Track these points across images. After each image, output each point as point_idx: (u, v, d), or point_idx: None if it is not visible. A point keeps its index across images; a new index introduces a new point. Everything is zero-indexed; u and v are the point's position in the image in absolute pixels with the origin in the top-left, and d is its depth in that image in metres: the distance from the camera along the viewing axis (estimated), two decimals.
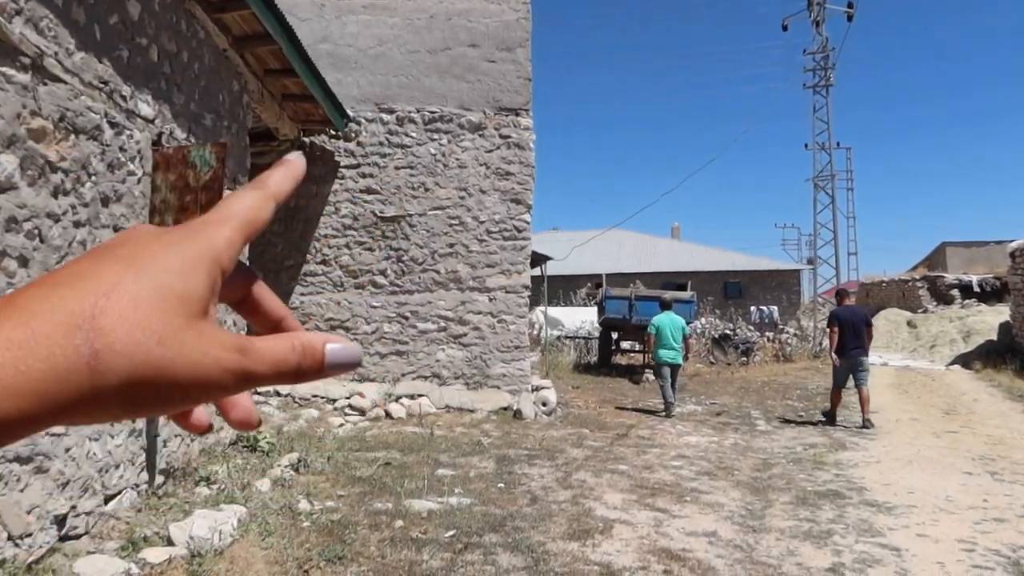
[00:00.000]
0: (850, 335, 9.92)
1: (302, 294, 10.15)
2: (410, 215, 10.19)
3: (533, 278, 19.87)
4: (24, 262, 3.46)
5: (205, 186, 4.59)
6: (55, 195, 3.70)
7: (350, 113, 10.23)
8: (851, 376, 10.14)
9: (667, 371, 11.27)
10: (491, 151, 10.27)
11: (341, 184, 10.23)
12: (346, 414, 9.38)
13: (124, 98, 4.38)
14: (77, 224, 3.91)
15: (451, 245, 10.18)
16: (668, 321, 11.53)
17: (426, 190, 10.20)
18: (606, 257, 37.56)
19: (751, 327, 24.28)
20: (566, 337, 22.42)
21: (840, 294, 10.92)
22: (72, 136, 3.83)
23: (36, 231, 3.55)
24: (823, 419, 10.53)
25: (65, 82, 3.72)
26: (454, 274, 10.16)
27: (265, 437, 6.72)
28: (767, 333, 23.92)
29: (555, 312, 24.22)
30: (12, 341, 0.31)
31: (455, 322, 10.13)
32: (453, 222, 10.20)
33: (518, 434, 8.74)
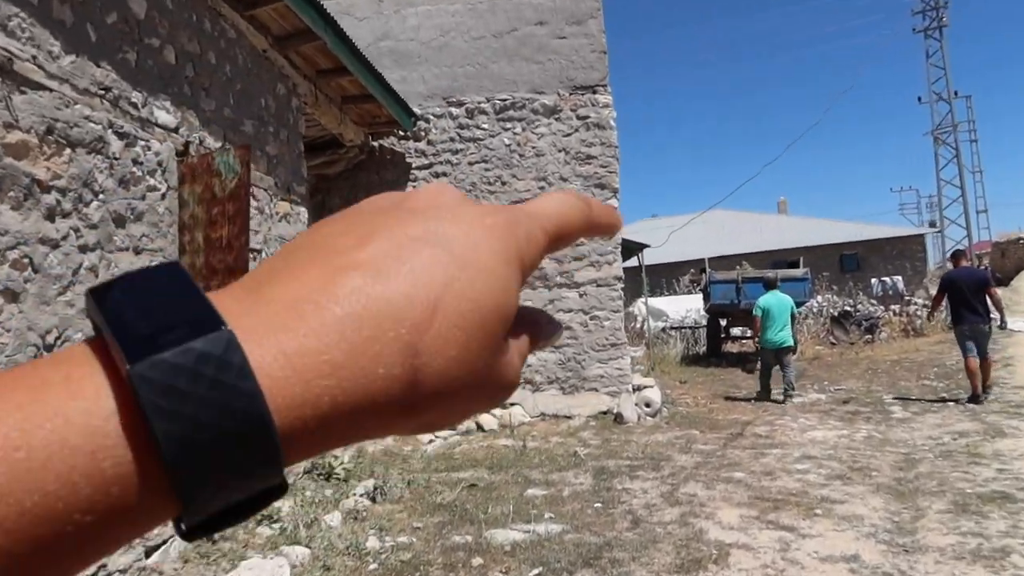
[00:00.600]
0: (965, 300, 9.04)
1: None
2: None
3: (631, 269, 18.94)
4: (13, 296, 3.01)
5: (231, 195, 4.09)
6: (50, 218, 3.25)
7: (417, 111, 9.73)
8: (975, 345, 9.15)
9: (771, 356, 10.69)
10: (569, 135, 9.52)
11: (414, 187, 9.74)
12: None
13: (135, 105, 3.92)
14: (84, 248, 3.47)
15: None
16: (775, 301, 10.80)
17: (503, 184, 9.57)
18: (709, 240, 35.96)
19: (873, 301, 22.41)
20: (671, 328, 21.35)
21: (955, 255, 9.91)
22: (67, 150, 3.37)
23: (27, 259, 3.10)
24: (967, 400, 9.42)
25: (50, 89, 3.26)
26: (540, 271, 9.47)
27: (342, 463, 6.24)
28: (892, 306, 21.98)
29: (658, 303, 23.14)
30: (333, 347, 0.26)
31: None
32: None
33: (619, 441, 7.97)
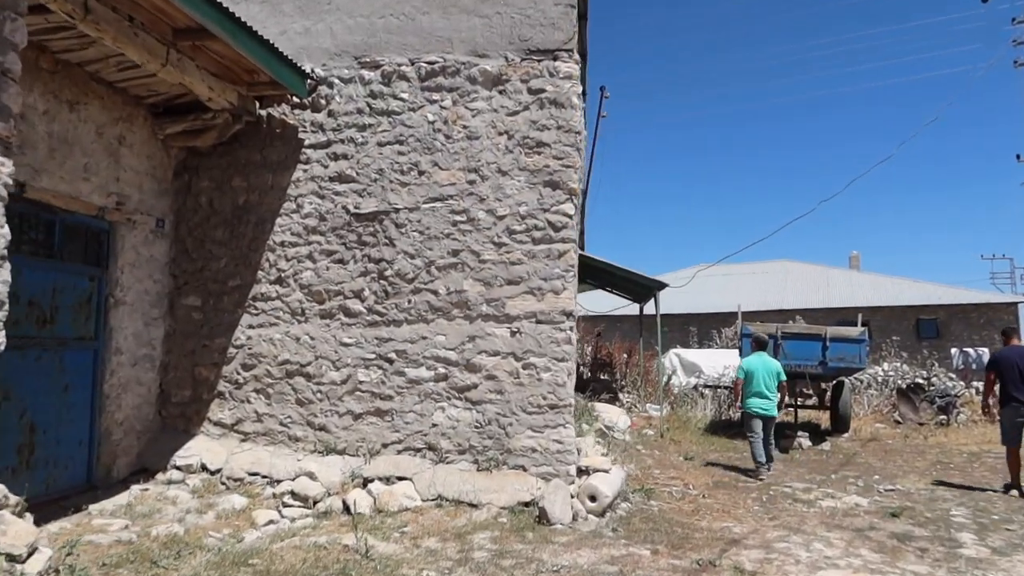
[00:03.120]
0: (1015, 380, 8.45)
1: (250, 326, 7.20)
2: (396, 210, 7.00)
3: (648, 316, 16.08)
4: None
5: None
6: None
7: (319, 71, 7.31)
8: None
9: (759, 424, 9.45)
10: (515, 113, 6.92)
11: (305, 171, 7.27)
12: (285, 504, 6.23)
13: None
14: None
15: (455, 252, 6.86)
16: (760, 364, 9.66)
17: (420, 173, 7.00)
18: (769, 291, 32.48)
19: (952, 375, 18.72)
20: (705, 386, 18.15)
21: (1006, 332, 9.33)
22: None
23: None
24: (1003, 491, 8.48)
25: None
26: (459, 296, 6.82)
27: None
28: (975, 383, 18.29)
29: (693, 355, 19.99)
30: None
31: (460, 367, 6.75)
32: (458, 218, 6.90)
33: (524, 557, 5.17)
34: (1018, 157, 21.98)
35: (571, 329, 6.67)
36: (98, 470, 6.46)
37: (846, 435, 13.79)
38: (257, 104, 7.38)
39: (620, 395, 16.76)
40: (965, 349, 25.57)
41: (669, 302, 32.20)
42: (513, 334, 6.67)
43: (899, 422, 15.44)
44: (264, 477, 6.63)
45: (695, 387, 18.03)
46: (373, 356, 6.88)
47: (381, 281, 6.94)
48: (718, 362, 20.00)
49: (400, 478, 6.45)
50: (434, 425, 6.70)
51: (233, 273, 7.28)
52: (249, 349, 7.14)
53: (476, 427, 6.63)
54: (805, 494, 8.10)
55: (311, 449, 6.85)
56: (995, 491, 8.58)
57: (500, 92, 6.96)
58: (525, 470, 6.50)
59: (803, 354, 12.78)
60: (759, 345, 10.21)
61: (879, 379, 18.62)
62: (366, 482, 6.43)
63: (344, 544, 5.30)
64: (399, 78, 7.14)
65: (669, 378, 18.59)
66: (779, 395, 9.66)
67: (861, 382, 19.11)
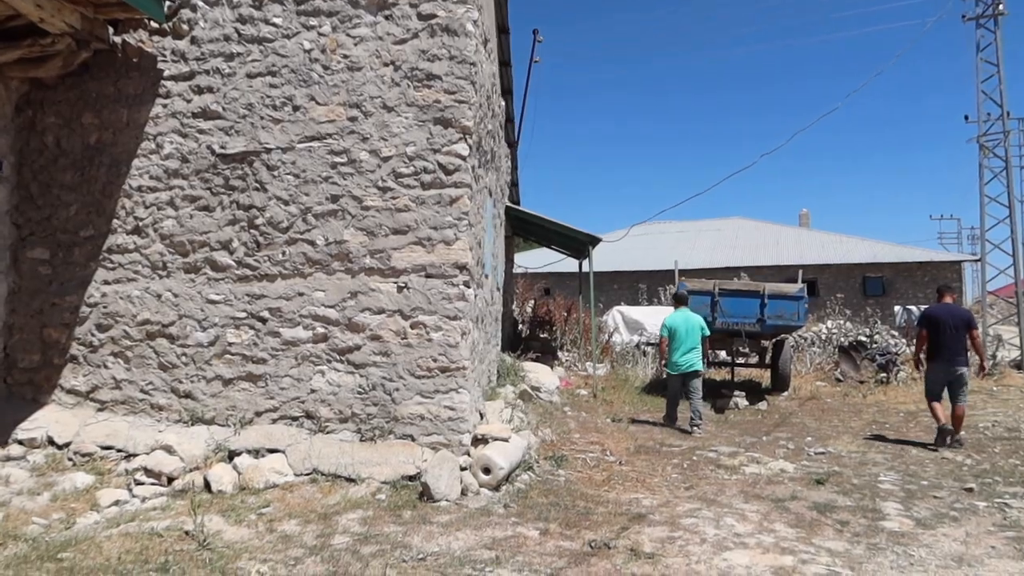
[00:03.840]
0: (946, 339, 8.38)
1: (106, 282, 6.35)
2: (268, 150, 6.17)
3: (579, 273, 15.43)
4: None
5: None
6: None
7: None
8: (947, 390, 8.41)
9: (677, 382, 9.57)
10: (403, 41, 6.10)
11: (166, 107, 6.37)
12: (137, 483, 5.48)
13: None
14: None
15: (334, 198, 6.08)
16: (682, 320, 9.60)
17: (295, 109, 6.17)
18: (719, 249, 32.22)
19: (894, 333, 18.58)
20: (648, 344, 17.70)
21: (940, 290, 9.30)
22: None
23: None
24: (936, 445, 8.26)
25: None
26: (339, 247, 6.05)
27: None
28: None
29: (636, 313, 19.47)
30: None
31: (342, 327, 6.02)
32: (338, 160, 6.10)
33: (391, 542, 4.53)
34: (966, 118, 21.64)
35: (465, 284, 5.97)
36: None
37: (785, 394, 13.44)
38: (111, 30, 6.44)
39: (559, 353, 16.24)
40: (908, 307, 25.62)
41: (618, 259, 31.77)
42: (400, 289, 5.95)
43: (839, 380, 15.18)
44: (120, 451, 5.86)
45: (637, 345, 17.58)
46: (244, 315, 6.10)
47: (252, 231, 6.14)
48: (661, 320, 19.59)
49: (272, 450, 5.74)
50: (312, 391, 5.99)
51: (85, 222, 6.40)
52: (104, 308, 6.30)
53: (359, 393, 5.94)
54: (730, 459, 7.61)
55: (176, 419, 6.10)
56: (928, 446, 8.23)
57: (386, 18, 6.12)
58: (414, 440, 5.84)
59: (741, 311, 12.31)
60: (679, 301, 10.07)
61: (822, 337, 18.37)
62: (232, 455, 5.71)
63: (185, 531, 4.59)
64: (272, 0, 6.25)
65: (610, 336, 18.10)
66: (703, 349, 9.60)
67: (804, 340, 18.86)
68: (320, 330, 6.00)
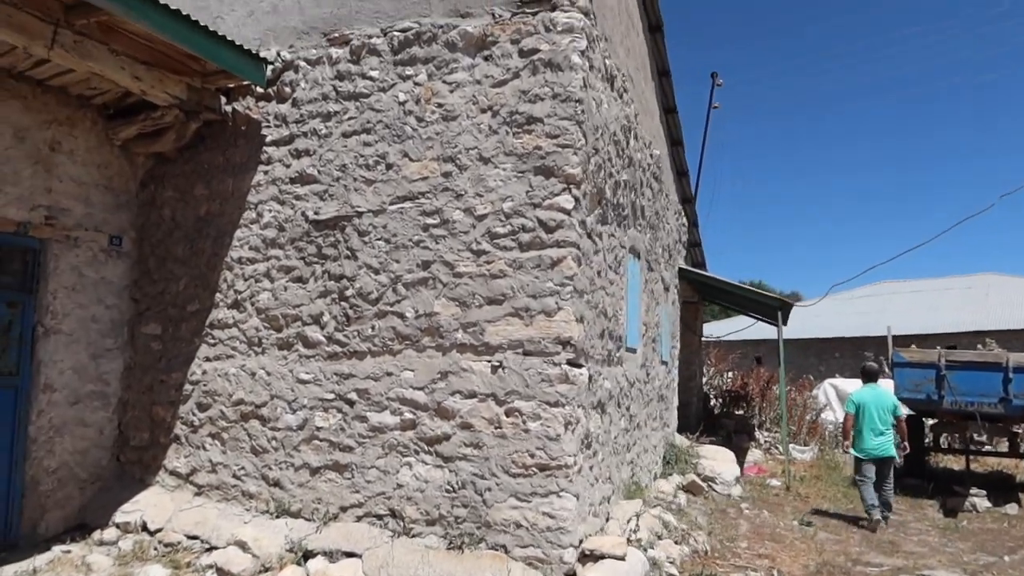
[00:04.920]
0: None
1: (207, 358, 6.09)
2: (359, 214, 5.63)
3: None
4: None
5: None
6: None
7: (286, 55, 6.13)
8: None
9: (871, 468, 8.28)
10: (502, 83, 5.34)
11: (267, 174, 6.09)
12: None
13: None
14: None
15: (425, 265, 5.37)
16: (872, 398, 8.44)
17: (388, 167, 5.59)
18: (963, 309, 27.82)
19: None
20: None
21: None
22: None
23: None
24: None
25: None
26: (429, 320, 5.31)
27: None
28: None
29: (852, 387, 16.87)
30: None
31: (430, 412, 5.23)
32: (430, 221, 5.40)
33: None
34: None
35: (571, 363, 4.95)
36: (20, 526, 5.58)
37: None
38: (224, 99, 6.33)
39: (757, 434, 14.30)
40: None
41: (842, 324, 28.43)
42: (494, 369, 5.06)
43: None
44: (204, 542, 5.46)
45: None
46: (332, 396, 5.52)
47: (342, 303, 5.59)
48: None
49: (348, 554, 5.03)
50: (399, 486, 5.22)
51: (192, 296, 6.24)
52: (204, 385, 6.04)
53: (448, 491, 5.08)
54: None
55: (263, 509, 5.61)
56: None
57: (485, 59, 5.41)
58: (507, 551, 4.85)
59: (977, 388, 9.95)
60: (868, 376, 8.79)
61: None
62: (308, 556, 5.06)
63: None
64: (369, 53, 5.79)
65: (819, 413, 15.77)
66: (897, 433, 8.50)
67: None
68: (408, 415, 5.26)
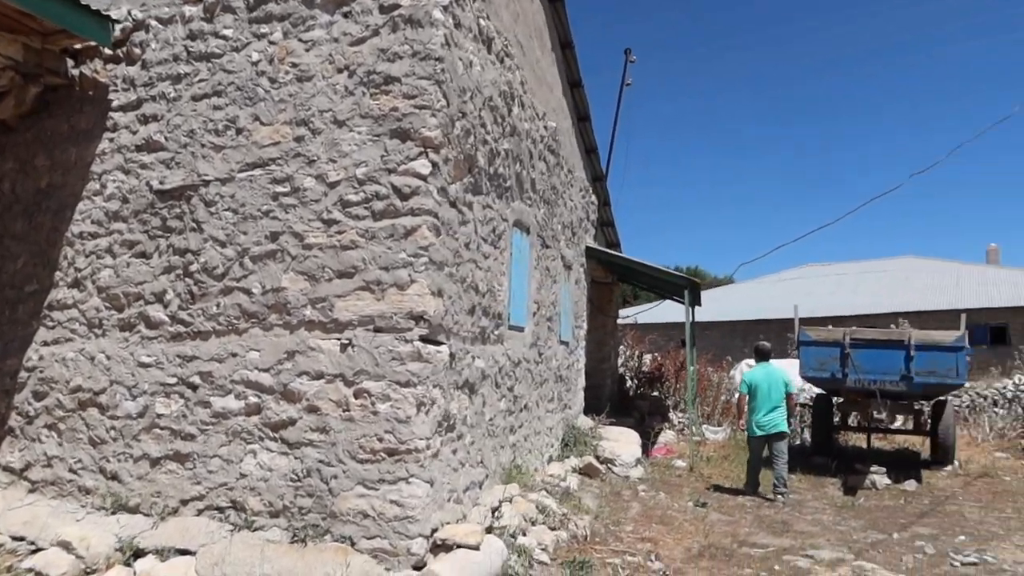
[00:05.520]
0: None
1: (44, 342, 5.58)
2: (206, 182, 5.20)
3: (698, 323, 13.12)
4: None
5: None
6: None
7: (137, 14, 5.65)
8: None
9: (761, 445, 8.53)
10: (360, 41, 4.96)
11: (112, 141, 5.60)
12: None
13: None
14: None
15: (273, 236, 4.97)
16: (763, 376, 8.55)
17: (238, 132, 5.17)
18: (882, 292, 28.49)
19: None
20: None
21: None
22: None
23: None
24: None
25: None
26: (276, 295, 4.91)
27: None
28: None
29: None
30: None
31: (276, 396, 4.84)
32: (280, 189, 5.00)
33: None
34: None
35: (425, 340, 4.61)
36: None
37: (949, 468, 10.76)
38: (71, 62, 5.82)
39: (672, 415, 14.24)
40: None
41: (766, 306, 28.84)
42: (343, 348, 4.69)
43: None
44: (30, 543, 4.96)
45: None
46: (174, 380, 5.08)
47: (186, 279, 5.15)
48: (795, 374, 16.94)
49: (183, 551, 4.61)
50: (242, 476, 4.81)
51: (30, 275, 5.71)
52: (41, 372, 5.53)
53: (293, 480, 4.69)
54: (827, 572, 5.60)
55: (99, 504, 5.13)
56: None
57: (344, 15, 5.03)
58: (353, 544, 4.49)
59: (880, 366, 9.95)
60: (761, 356, 8.93)
61: (1007, 395, 15.07)
62: (138, 555, 4.62)
63: None
64: (224, 10, 5.36)
65: (734, 394, 15.77)
66: (789, 409, 8.61)
67: (984, 399, 15.59)
68: (253, 399, 4.85)
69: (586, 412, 10.63)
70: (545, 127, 7.73)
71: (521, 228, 6.89)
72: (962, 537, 6.89)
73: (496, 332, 6.16)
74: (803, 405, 14.53)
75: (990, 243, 37.02)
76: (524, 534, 5.46)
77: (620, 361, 15.56)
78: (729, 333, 27.31)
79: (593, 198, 11.19)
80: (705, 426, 13.35)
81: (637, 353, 16.00)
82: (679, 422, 13.73)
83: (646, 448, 10.68)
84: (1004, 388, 15.55)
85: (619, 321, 15.69)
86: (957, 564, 5.94)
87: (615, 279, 13.74)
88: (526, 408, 7.15)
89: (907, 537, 6.85)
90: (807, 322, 26.07)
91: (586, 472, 8.33)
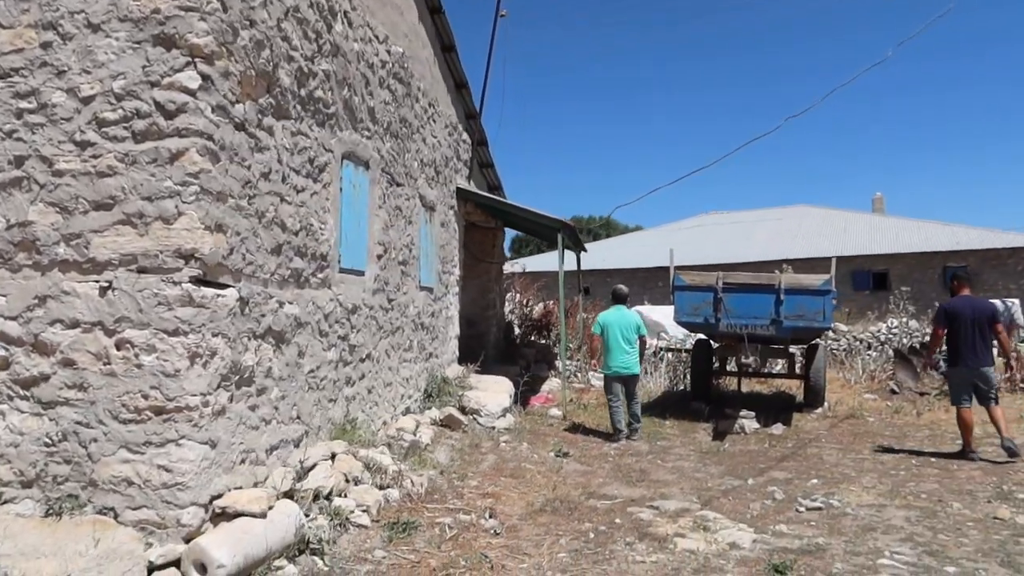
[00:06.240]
0: (968, 337, 7.41)
1: None
2: None
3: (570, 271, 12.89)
4: None
5: None
6: None
7: None
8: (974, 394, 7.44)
9: (619, 387, 8.56)
10: None
11: None
12: None
13: None
14: None
15: (19, 161, 4.20)
16: (616, 319, 8.67)
17: None
18: (776, 240, 29.16)
19: None
20: (668, 350, 15.26)
21: (956, 280, 8.04)
22: None
23: None
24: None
25: None
26: (24, 230, 4.17)
27: None
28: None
29: (657, 314, 17.01)
30: None
31: (27, 348, 4.13)
32: (26, 104, 4.22)
33: None
34: None
35: (197, 282, 3.98)
36: None
37: (819, 411, 10.89)
38: None
39: (557, 363, 14.04)
40: (1007, 301, 22.05)
41: (658, 254, 29.12)
42: (103, 292, 4.02)
43: (895, 392, 12.44)
44: None
45: (655, 352, 15.14)
46: None
47: None
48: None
49: None
50: None
51: None
52: None
53: (47, 444, 4.03)
54: (668, 523, 5.35)
55: None
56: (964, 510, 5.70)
57: None
58: (116, 515, 3.89)
59: (750, 311, 9.85)
60: (617, 299, 9.00)
61: (881, 338, 15.54)
62: None
63: None
64: None
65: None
66: (640, 350, 8.78)
67: (860, 342, 16.03)
68: (0, 353, 4.13)
69: (466, 361, 10.21)
70: (388, 52, 7.03)
71: (356, 161, 6.25)
72: (815, 481, 6.81)
73: (320, 275, 5.56)
74: (679, 350, 14.59)
75: (876, 192, 38.42)
76: (344, 495, 4.99)
77: (508, 309, 15.21)
78: (628, 280, 27.45)
79: (465, 136, 10.59)
80: (591, 373, 13.19)
81: (526, 300, 15.66)
82: (566, 370, 13.53)
83: (527, 398, 10.39)
84: (879, 331, 16.02)
85: (506, 268, 15.29)
86: (802, 509, 5.80)
87: (500, 224, 13.26)
88: (368, 358, 6.62)
89: (762, 482, 6.73)
90: (704, 269, 26.50)
91: (447, 424, 7.92)
